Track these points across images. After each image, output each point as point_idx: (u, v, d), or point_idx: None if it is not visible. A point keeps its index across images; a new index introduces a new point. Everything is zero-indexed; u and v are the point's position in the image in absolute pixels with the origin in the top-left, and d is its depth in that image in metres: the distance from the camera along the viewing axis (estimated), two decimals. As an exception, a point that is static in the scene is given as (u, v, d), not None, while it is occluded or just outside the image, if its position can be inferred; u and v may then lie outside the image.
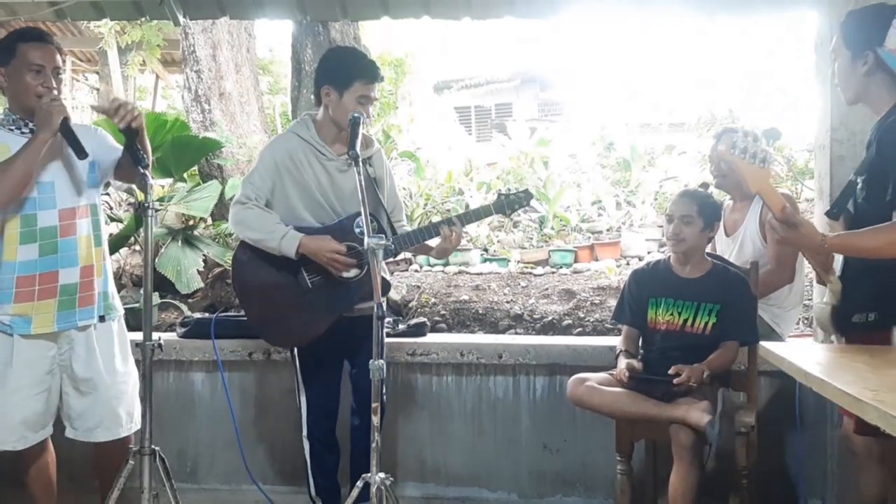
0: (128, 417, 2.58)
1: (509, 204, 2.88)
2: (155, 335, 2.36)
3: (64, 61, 2.50)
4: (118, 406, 2.56)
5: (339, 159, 2.80)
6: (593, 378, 2.74)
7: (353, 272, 2.75)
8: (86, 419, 2.53)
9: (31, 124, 2.44)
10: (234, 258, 2.94)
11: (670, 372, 2.57)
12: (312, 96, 2.93)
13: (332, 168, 2.81)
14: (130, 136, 2.38)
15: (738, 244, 3.14)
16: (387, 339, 3.16)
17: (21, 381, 2.43)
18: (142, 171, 2.35)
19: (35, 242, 2.42)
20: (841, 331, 2.29)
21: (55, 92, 2.41)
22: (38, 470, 2.58)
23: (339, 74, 2.75)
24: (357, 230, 2.71)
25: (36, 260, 2.42)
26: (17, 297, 2.41)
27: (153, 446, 2.31)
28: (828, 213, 2.29)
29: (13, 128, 2.47)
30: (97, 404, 2.52)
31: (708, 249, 2.98)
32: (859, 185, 2.17)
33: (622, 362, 2.74)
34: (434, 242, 2.86)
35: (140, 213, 2.33)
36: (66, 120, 2.35)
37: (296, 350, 2.91)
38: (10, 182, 2.33)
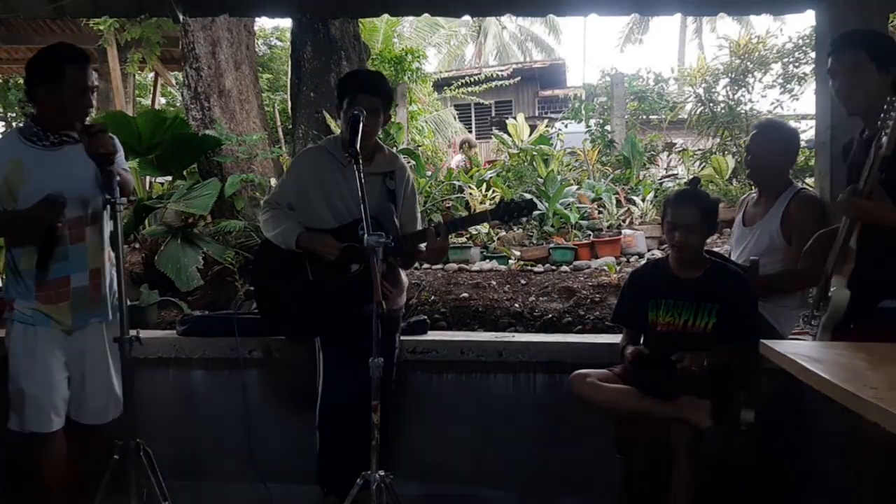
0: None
1: (508, 212, 2.95)
2: (142, 333, 2.52)
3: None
4: (120, 387, 2.74)
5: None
6: (594, 374, 2.74)
7: (353, 267, 2.93)
8: (97, 401, 2.72)
9: (52, 136, 2.61)
10: (256, 254, 3.38)
11: (672, 358, 2.58)
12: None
13: (353, 177, 2.88)
14: (98, 162, 2.49)
15: (754, 236, 3.13)
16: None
17: (48, 367, 2.62)
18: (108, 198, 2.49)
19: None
20: (863, 317, 2.28)
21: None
22: (55, 458, 2.66)
23: (340, 92, 3.02)
24: (360, 232, 2.81)
25: (51, 267, 2.60)
26: (38, 297, 2.62)
27: (138, 440, 2.38)
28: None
29: (34, 139, 2.61)
30: (105, 389, 2.73)
31: (712, 245, 2.97)
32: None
33: (628, 350, 2.77)
34: (423, 246, 2.98)
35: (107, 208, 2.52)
36: (53, 231, 2.54)
37: (318, 342, 3.08)
38: None
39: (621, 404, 2.66)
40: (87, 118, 2.63)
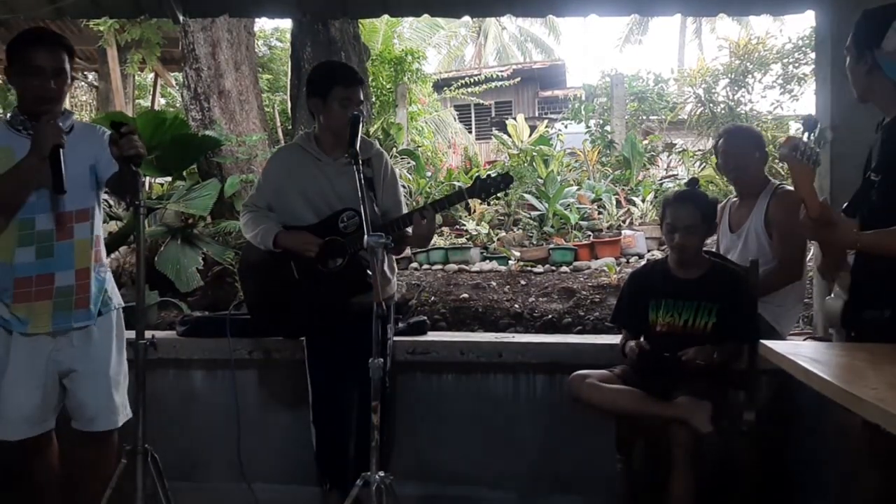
0: (122, 407, 2.63)
1: (485, 187, 2.92)
2: (148, 333, 2.38)
3: (70, 59, 2.52)
4: (115, 396, 2.61)
5: (336, 162, 2.97)
6: (594, 375, 2.74)
7: (337, 262, 2.93)
8: (85, 410, 2.57)
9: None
10: (241, 257, 3.32)
11: (679, 354, 2.59)
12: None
13: (330, 171, 3.00)
14: (125, 163, 2.37)
15: (742, 240, 3.15)
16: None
17: (18, 376, 2.48)
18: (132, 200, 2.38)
19: (32, 245, 2.47)
20: (850, 326, 2.27)
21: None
22: (43, 463, 2.61)
23: (320, 84, 2.97)
24: (341, 224, 2.93)
25: (33, 262, 2.47)
26: (15, 297, 2.47)
27: (146, 446, 2.32)
28: (844, 211, 2.28)
29: (21, 129, 2.50)
30: (97, 396, 2.57)
31: (712, 245, 2.97)
32: (876, 185, 2.16)
33: (630, 344, 2.77)
34: (410, 230, 2.94)
35: (130, 209, 2.37)
36: (56, 147, 2.34)
37: (305, 340, 3.11)
38: None
39: (620, 405, 2.65)
40: (49, 104, 2.48)
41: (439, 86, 11.33)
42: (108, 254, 4.08)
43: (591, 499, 3.23)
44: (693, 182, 2.98)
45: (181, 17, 3.78)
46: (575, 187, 6.21)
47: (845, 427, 2.31)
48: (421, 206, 2.95)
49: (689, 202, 2.77)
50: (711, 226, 2.82)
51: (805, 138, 2.02)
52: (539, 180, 6.25)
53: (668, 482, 2.54)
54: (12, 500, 2.78)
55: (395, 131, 7.19)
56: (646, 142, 7.93)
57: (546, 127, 8.91)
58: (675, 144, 8.23)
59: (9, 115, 2.59)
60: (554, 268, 4.74)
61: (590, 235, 5.35)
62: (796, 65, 7.53)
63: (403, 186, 5.58)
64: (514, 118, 8.93)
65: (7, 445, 2.51)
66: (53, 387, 2.55)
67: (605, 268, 4.53)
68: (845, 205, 2.28)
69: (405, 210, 3.13)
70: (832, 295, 2.32)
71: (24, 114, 2.51)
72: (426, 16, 3.74)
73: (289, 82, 7.11)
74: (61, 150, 2.34)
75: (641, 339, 2.89)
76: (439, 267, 4.80)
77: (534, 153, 7.19)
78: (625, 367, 2.83)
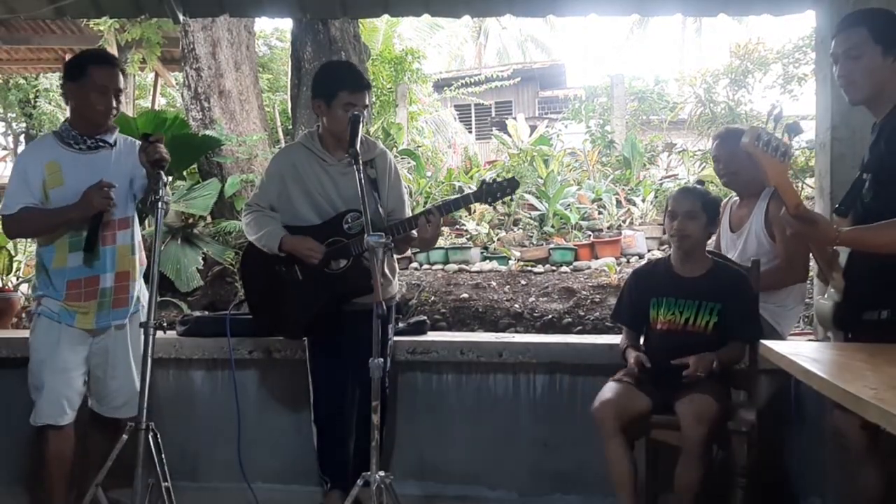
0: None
1: (491, 192, 2.90)
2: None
3: (124, 80, 2.80)
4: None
5: (340, 163, 2.97)
6: (618, 401, 2.62)
7: (341, 263, 2.94)
8: (114, 398, 2.84)
9: (88, 140, 2.76)
10: (242, 256, 3.30)
11: (674, 363, 2.58)
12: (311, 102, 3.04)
13: (334, 172, 3.00)
14: (152, 167, 2.56)
15: (742, 240, 3.15)
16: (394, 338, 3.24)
17: (67, 363, 2.75)
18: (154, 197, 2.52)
19: (81, 251, 2.73)
20: (848, 328, 2.27)
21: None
22: (60, 447, 2.77)
23: (325, 87, 2.96)
24: (345, 226, 2.93)
25: (82, 266, 2.74)
26: (67, 297, 2.75)
27: (148, 423, 2.40)
28: (836, 211, 2.28)
29: (71, 142, 2.76)
30: (126, 386, 2.83)
31: (712, 244, 2.96)
32: (867, 184, 2.16)
33: (630, 356, 2.76)
34: (415, 233, 2.93)
35: (150, 207, 2.54)
36: (100, 215, 2.67)
37: (307, 340, 3.11)
38: (29, 232, 2.91)
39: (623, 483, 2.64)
40: (110, 118, 2.77)
41: (439, 86, 11.32)
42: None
43: (590, 497, 3.23)
44: (701, 183, 3.01)
45: (181, 17, 3.78)
46: (575, 187, 6.21)
47: (844, 427, 2.31)
48: (426, 210, 2.92)
49: (692, 192, 2.83)
50: (713, 221, 2.81)
51: (771, 129, 2.01)
52: (539, 180, 6.25)
53: (674, 476, 2.54)
54: (27, 487, 2.96)
55: (395, 131, 7.19)
56: (645, 141, 7.93)
57: (546, 127, 8.91)
58: (675, 144, 8.23)
59: (59, 127, 2.83)
60: (554, 268, 4.74)
61: (590, 235, 5.35)
62: (796, 65, 7.53)
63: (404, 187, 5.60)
64: (515, 118, 8.93)
65: (36, 432, 2.74)
66: (86, 376, 2.82)
67: (605, 268, 4.53)
68: (838, 204, 2.28)
69: (409, 208, 3.12)
70: (824, 296, 2.32)
71: (75, 129, 2.76)
72: (426, 16, 3.74)
73: (289, 82, 7.10)
74: (103, 216, 2.67)
75: (641, 341, 2.89)
76: (439, 267, 4.80)
77: (534, 153, 7.18)
78: (631, 372, 2.81)
